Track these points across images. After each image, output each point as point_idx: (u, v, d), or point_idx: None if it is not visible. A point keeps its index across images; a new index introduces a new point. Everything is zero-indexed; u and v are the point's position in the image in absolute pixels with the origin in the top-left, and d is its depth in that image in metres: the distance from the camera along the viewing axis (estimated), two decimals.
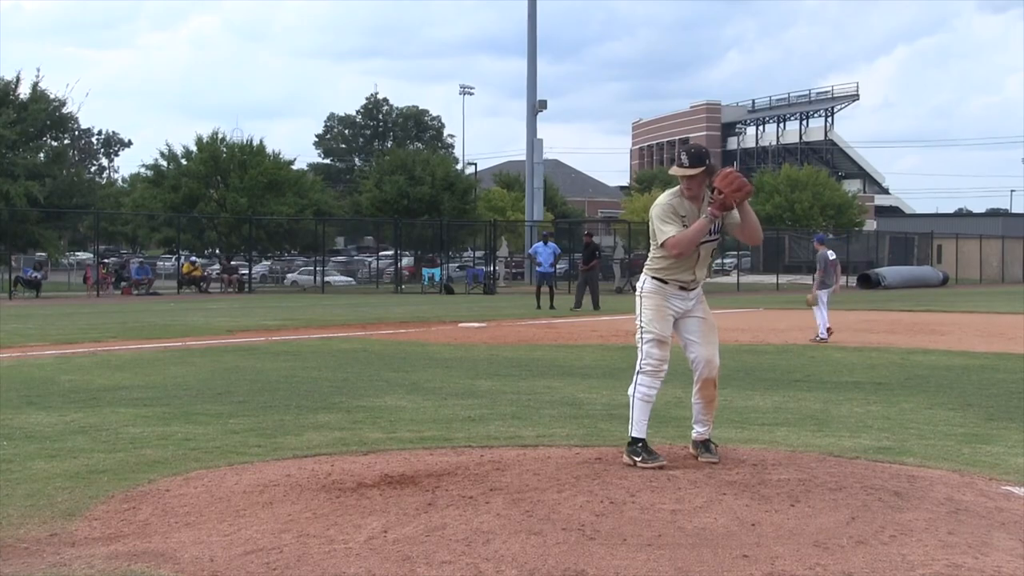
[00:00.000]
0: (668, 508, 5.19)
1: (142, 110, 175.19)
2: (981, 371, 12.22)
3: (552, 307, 25.94)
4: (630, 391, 6.32)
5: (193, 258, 44.02)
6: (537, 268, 28.39)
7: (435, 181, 55.63)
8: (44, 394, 9.75)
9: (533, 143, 51.70)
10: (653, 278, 6.33)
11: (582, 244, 29.12)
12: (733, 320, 21.43)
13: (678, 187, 6.32)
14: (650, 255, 6.41)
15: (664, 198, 6.34)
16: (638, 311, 6.36)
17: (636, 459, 6.15)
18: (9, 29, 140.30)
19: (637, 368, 6.29)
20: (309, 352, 14.49)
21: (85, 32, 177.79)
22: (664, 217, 6.23)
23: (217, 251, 49.62)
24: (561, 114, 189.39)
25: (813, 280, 17.13)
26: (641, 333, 6.30)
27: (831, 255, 17.40)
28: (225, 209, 46.88)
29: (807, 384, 10.92)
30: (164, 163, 49.48)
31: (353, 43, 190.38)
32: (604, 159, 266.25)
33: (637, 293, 6.44)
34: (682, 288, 6.30)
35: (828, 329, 16.50)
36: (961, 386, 10.77)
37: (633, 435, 6.24)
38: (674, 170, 6.29)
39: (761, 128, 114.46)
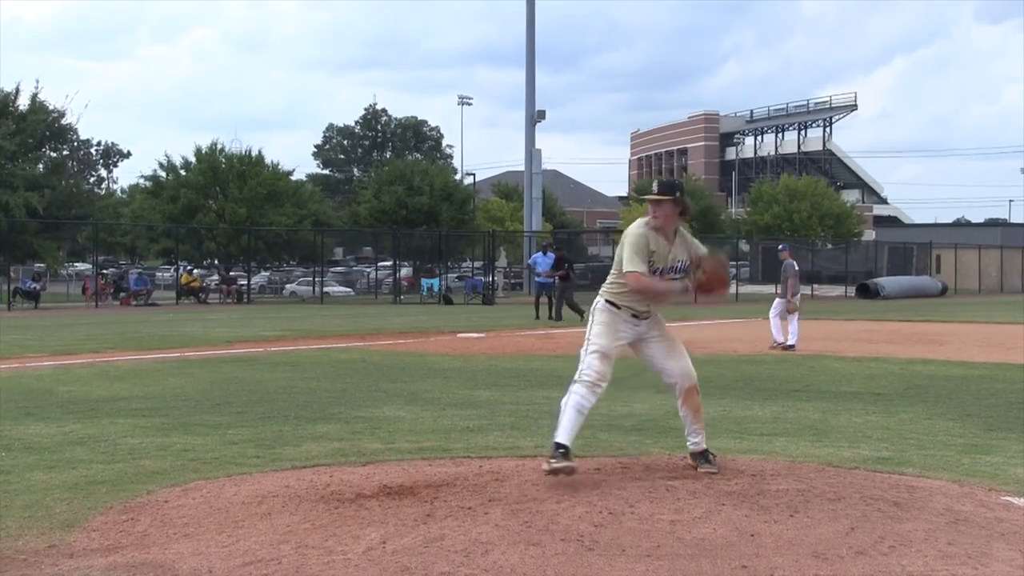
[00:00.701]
0: (667, 519, 5.19)
1: (141, 121, 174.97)
2: (980, 381, 12.22)
3: (551, 317, 25.93)
4: (563, 400, 6.16)
5: (191, 268, 44.02)
6: (536, 278, 28.41)
7: (434, 191, 55.66)
8: (42, 405, 9.74)
9: (532, 153, 51.72)
10: (607, 301, 6.31)
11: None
12: (732, 330, 21.44)
13: (649, 217, 6.26)
14: (609, 277, 6.36)
15: (638, 228, 6.25)
16: (588, 326, 6.35)
17: (552, 462, 5.98)
18: (9, 40, 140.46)
19: (575, 378, 6.18)
20: (308, 363, 14.49)
21: (85, 44, 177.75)
22: (636, 249, 6.16)
23: (216, 262, 49.63)
24: (559, 124, 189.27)
25: (787, 288, 17.31)
26: (587, 345, 6.23)
27: (796, 265, 17.70)
28: (224, 220, 46.92)
29: (806, 394, 10.92)
30: (163, 174, 49.54)
31: (352, 54, 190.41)
32: (603, 169, 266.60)
33: (590, 311, 6.43)
34: (634, 316, 6.27)
35: (779, 345, 16.77)
36: (960, 396, 10.77)
37: (558, 440, 6.02)
38: (645, 198, 6.29)
39: (759, 138, 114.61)
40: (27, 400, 10.13)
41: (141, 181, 54.17)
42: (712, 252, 6.65)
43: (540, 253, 28.82)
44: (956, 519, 5.29)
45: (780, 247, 19.01)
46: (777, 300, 17.34)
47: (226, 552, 4.72)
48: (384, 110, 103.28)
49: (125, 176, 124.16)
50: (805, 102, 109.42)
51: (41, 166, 43.70)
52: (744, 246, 58.87)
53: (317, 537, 4.93)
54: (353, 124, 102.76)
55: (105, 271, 46.33)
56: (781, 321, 17.05)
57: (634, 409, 9.55)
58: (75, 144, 70.64)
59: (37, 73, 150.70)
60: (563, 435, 6.07)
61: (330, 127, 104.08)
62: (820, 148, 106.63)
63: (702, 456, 6.40)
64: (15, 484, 6.21)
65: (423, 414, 9.25)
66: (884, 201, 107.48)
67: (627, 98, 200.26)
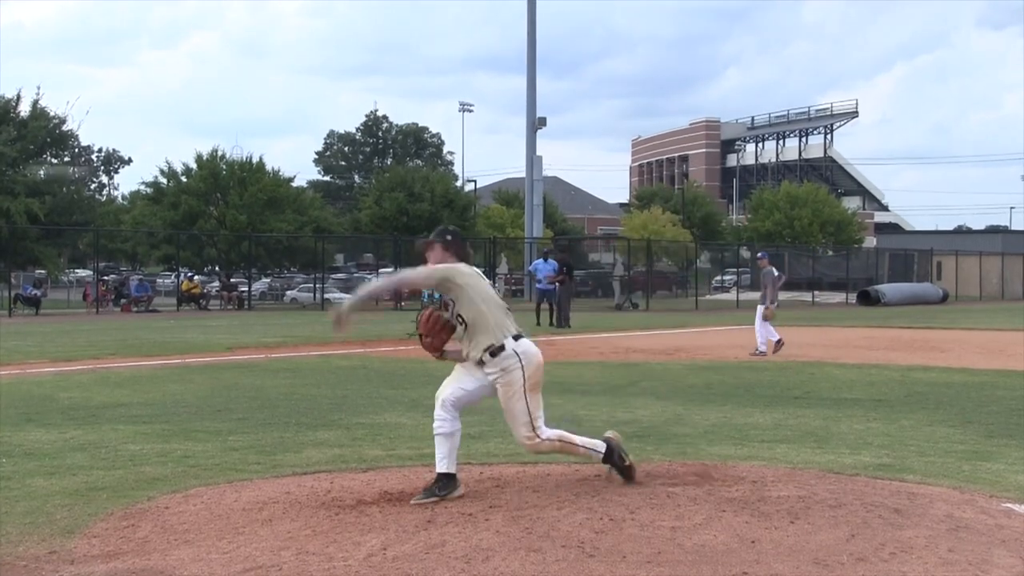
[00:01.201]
0: (668, 525, 5.19)
1: (142, 127, 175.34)
2: (981, 388, 12.22)
3: (552, 324, 25.96)
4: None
5: (192, 274, 43.99)
6: (537, 285, 28.42)
7: (434, 198, 55.72)
8: (43, 411, 9.74)
9: (532, 160, 51.72)
10: None
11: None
12: (732, 337, 21.43)
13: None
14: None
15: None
16: None
17: (437, 494, 5.83)
18: (9, 47, 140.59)
19: None
20: (308, 369, 14.49)
21: (86, 50, 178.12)
22: (427, 269, 6.20)
23: (216, 268, 49.62)
24: (560, 131, 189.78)
25: (765, 295, 17.69)
26: None
27: (776, 272, 18.07)
28: (224, 226, 46.90)
29: (807, 401, 10.91)
30: (164, 180, 49.54)
31: (353, 60, 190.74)
32: (603, 176, 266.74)
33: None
34: (473, 361, 6.05)
35: (767, 347, 16.95)
36: (961, 403, 10.76)
37: (436, 470, 5.94)
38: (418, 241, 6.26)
39: (760, 145, 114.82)
40: (28, 406, 10.13)
41: (142, 187, 54.20)
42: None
43: (541, 260, 28.86)
44: (957, 526, 5.29)
45: (759, 255, 19.34)
46: (760, 307, 17.51)
47: (227, 558, 4.72)
48: (385, 116, 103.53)
49: (126, 182, 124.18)
50: (806, 109, 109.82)
51: (42, 172, 43.70)
52: (745, 253, 58.88)
53: (318, 543, 4.93)
54: (354, 131, 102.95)
55: (106, 277, 46.34)
56: (769, 326, 17.25)
57: (636, 415, 9.56)
58: (76, 150, 70.65)
59: (38, 79, 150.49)
60: (438, 463, 5.94)
61: (331, 133, 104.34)
62: (821, 155, 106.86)
63: (610, 462, 6.23)
64: (16, 490, 6.21)
65: (424, 420, 9.19)
66: (885, 208, 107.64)
67: (628, 105, 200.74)
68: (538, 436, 6.00)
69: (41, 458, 7.28)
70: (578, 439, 6.22)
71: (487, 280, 6.24)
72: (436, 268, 6.11)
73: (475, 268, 6.24)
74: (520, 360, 5.95)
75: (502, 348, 5.94)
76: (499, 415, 9.50)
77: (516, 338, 6.00)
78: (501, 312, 6.05)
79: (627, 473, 6.26)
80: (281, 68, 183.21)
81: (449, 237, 6.27)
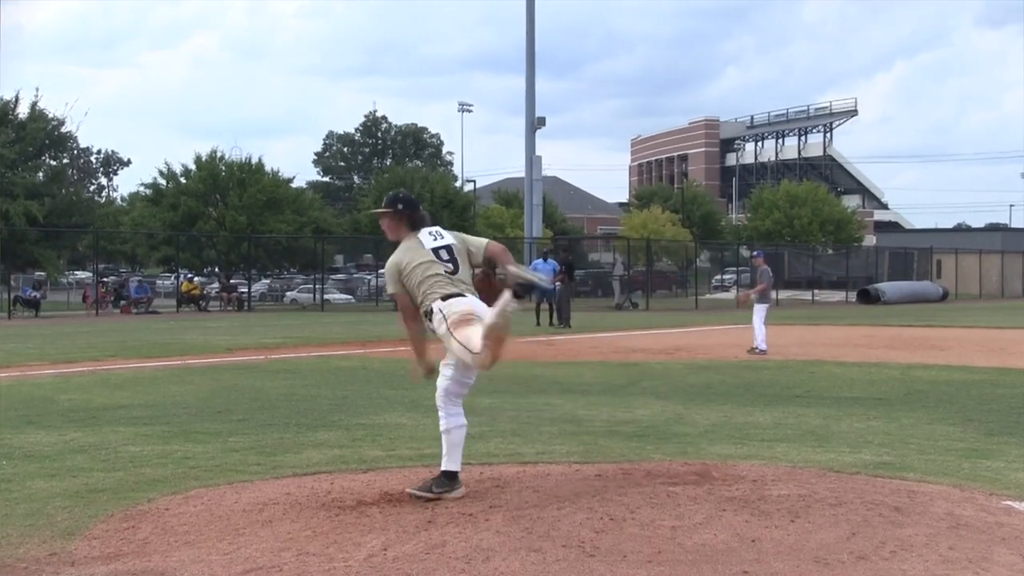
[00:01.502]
0: (668, 525, 5.19)
1: (141, 129, 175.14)
2: (981, 386, 12.22)
3: (551, 324, 25.98)
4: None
5: (192, 276, 44.01)
6: None
7: (434, 198, 55.76)
8: (43, 413, 9.74)
9: (532, 160, 51.68)
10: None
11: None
12: (731, 336, 21.43)
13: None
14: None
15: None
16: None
17: (434, 490, 5.89)
18: (8, 48, 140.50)
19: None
20: (308, 370, 14.49)
21: (85, 51, 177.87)
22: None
23: (216, 269, 49.63)
24: (560, 131, 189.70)
25: (756, 289, 18.37)
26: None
27: (770, 272, 18.49)
28: (224, 227, 46.92)
29: (807, 399, 10.92)
30: (163, 182, 49.58)
31: (352, 61, 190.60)
32: (603, 176, 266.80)
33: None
34: None
35: (757, 350, 17.03)
36: (961, 401, 10.77)
37: (445, 468, 6.01)
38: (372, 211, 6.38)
39: (760, 144, 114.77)
40: (28, 408, 10.13)
41: (141, 189, 54.25)
42: None
43: (540, 260, 28.88)
44: (957, 524, 5.29)
45: (754, 253, 19.62)
46: (757, 306, 17.54)
47: (227, 560, 4.72)
48: (384, 117, 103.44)
49: (125, 184, 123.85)
50: (805, 107, 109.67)
51: (41, 174, 43.71)
52: (744, 252, 58.91)
53: (318, 544, 4.94)
54: (353, 131, 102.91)
55: (105, 279, 46.33)
56: (764, 326, 17.30)
57: (635, 415, 9.56)
58: (75, 152, 70.64)
59: (37, 81, 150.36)
60: (443, 461, 6.09)
61: (330, 134, 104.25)
62: (821, 154, 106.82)
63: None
64: (16, 492, 6.21)
65: (424, 421, 9.24)
66: (885, 206, 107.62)
67: (627, 104, 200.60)
68: (479, 351, 5.79)
69: (41, 460, 7.28)
70: (492, 309, 5.82)
71: (425, 247, 6.18)
72: (389, 286, 6.25)
73: (423, 233, 6.26)
74: (443, 315, 5.93)
75: (431, 312, 5.99)
76: (499, 415, 9.55)
77: (444, 298, 5.97)
78: (431, 280, 6.04)
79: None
80: (280, 69, 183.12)
81: (400, 206, 6.34)
